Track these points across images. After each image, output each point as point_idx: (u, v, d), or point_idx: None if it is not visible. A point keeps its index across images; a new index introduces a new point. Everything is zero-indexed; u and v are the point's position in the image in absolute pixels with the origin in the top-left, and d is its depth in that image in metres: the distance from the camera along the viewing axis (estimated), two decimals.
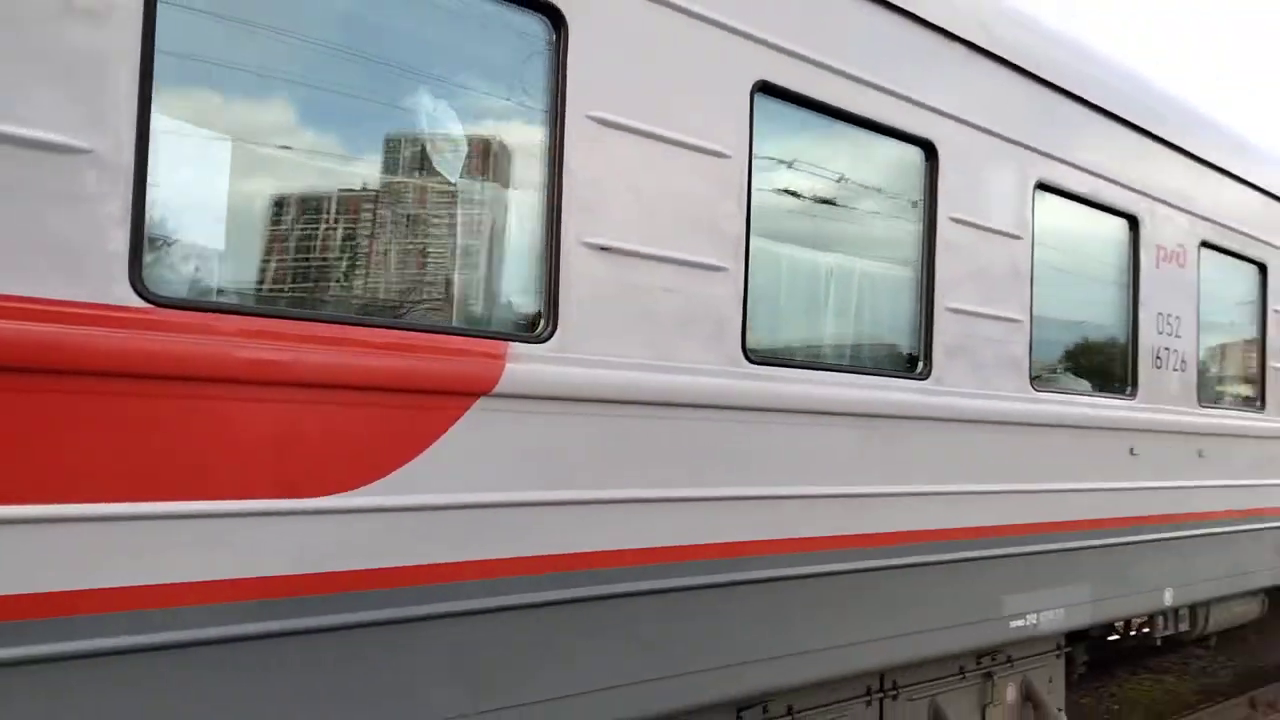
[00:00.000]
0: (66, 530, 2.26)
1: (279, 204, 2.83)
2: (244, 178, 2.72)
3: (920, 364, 4.45)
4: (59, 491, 2.26)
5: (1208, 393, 6.48)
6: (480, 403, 2.95)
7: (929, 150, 4.44)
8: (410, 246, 3.09)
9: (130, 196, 2.36)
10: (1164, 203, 5.95)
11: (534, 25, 3.16)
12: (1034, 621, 5.02)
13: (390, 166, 3.03)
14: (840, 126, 4.15)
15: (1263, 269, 7.05)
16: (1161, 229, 5.94)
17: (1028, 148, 4.94)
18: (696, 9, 3.53)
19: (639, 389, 3.34)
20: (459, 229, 3.15)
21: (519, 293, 3.21)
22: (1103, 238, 5.72)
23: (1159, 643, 6.59)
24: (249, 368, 2.52)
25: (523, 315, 3.18)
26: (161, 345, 2.39)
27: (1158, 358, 5.94)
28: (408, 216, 3.06)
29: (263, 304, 2.72)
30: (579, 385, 3.18)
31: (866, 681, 4.52)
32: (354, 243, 2.98)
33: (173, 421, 2.41)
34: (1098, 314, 5.78)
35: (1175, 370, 6.09)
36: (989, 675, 5.16)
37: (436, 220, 3.09)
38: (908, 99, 4.30)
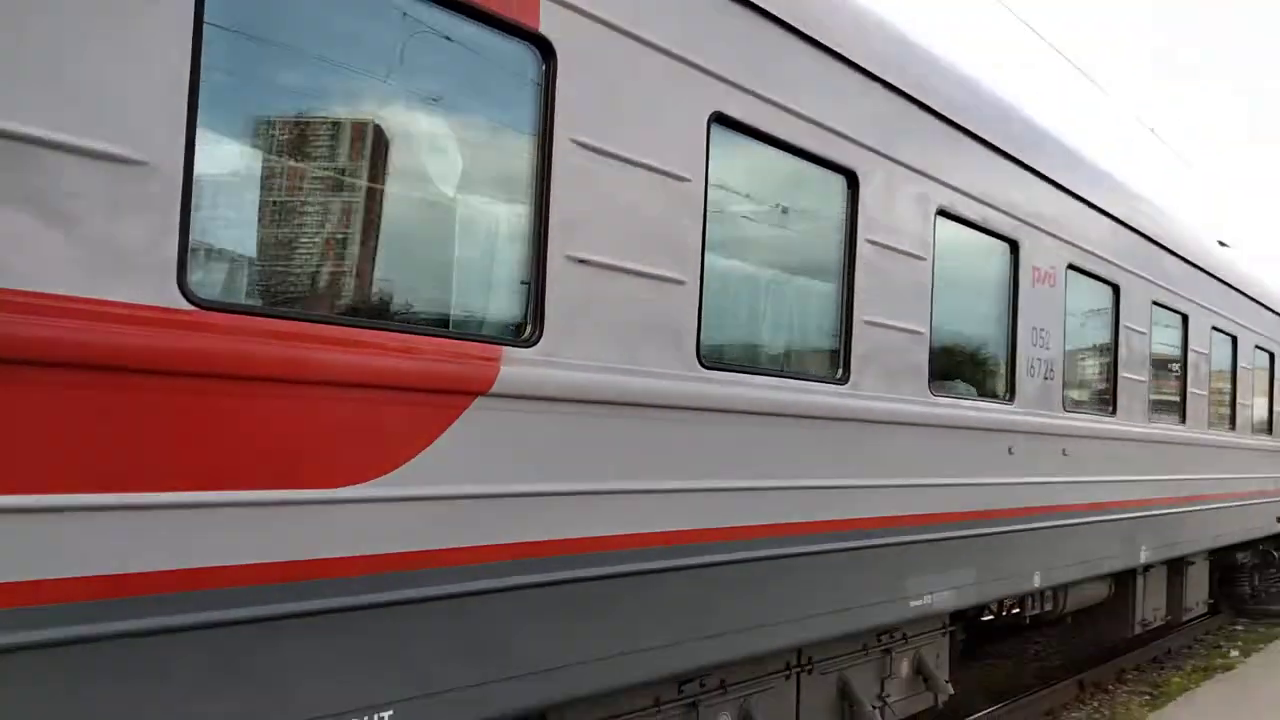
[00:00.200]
0: (125, 516, 2.42)
1: (303, 216, 3.02)
2: (273, 192, 2.90)
3: (840, 370, 4.93)
4: (102, 482, 2.42)
5: (1070, 398, 7.28)
6: (478, 401, 3.22)
7: (851, 179, 4.93)
8: (417, 256, 3.32)
9: (179, 206, 2.53)
10: (1039, 229, 6.68)
11: (526, 55, 3.44)
12: (929, 601, 5.60)
13: (398, 182, 3.25)
14: (778, 155, 4.57)
15: (1116, 289, 7.95)
16: (1037, 252, 6.66)
17: (932, 178, 5.51)
18: (663, 44, 3.87)
19: (610, 390, 3.66)
20: (459, 241, 3.41)
21: (509, 301, 3.48)
22: (989, 260, 6.38)
23: (1028, 621, 7.36)
24: (280, 366, 2.71)
25: (513, 322, 3.46)
26: (206, 345, 2.56)
27: (1031, 367, 6.66)
28: (415, 228, 3.29)
29: (290, 307, 2.91)
30: (561, 386, 3.48)
31: (786, 658, 4.97)
32: (368, 251, 3.19)
33: (215, 417, 2.59)
34: (983, 327, 6.44)
35: (1045, 378, 6.84)
36: (888, 651, 5.71)
37: (442, 232, 3.33)
38: (836, 132, 4.77)
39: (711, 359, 4.15)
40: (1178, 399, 9.38)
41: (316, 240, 3.02)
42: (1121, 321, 8.02)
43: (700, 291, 4.06)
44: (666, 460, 3.91)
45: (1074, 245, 7.18)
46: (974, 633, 7.68)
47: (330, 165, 3.04)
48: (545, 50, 3.45)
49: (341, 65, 3.07)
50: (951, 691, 6.19)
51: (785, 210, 4.80)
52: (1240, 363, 11.19)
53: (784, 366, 4.87)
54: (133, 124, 2.44)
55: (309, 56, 2.98)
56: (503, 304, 3.49)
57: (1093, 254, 7.49)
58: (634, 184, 3.77)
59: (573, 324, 3.53)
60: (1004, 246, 6.40)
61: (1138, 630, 9.23)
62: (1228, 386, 10.87)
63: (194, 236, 2.59)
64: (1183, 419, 9.42)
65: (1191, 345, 9.61)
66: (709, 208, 4.11)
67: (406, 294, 3.29)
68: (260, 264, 2.88)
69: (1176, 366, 9.41)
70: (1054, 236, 6.88)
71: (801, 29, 4.55)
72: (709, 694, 4.52)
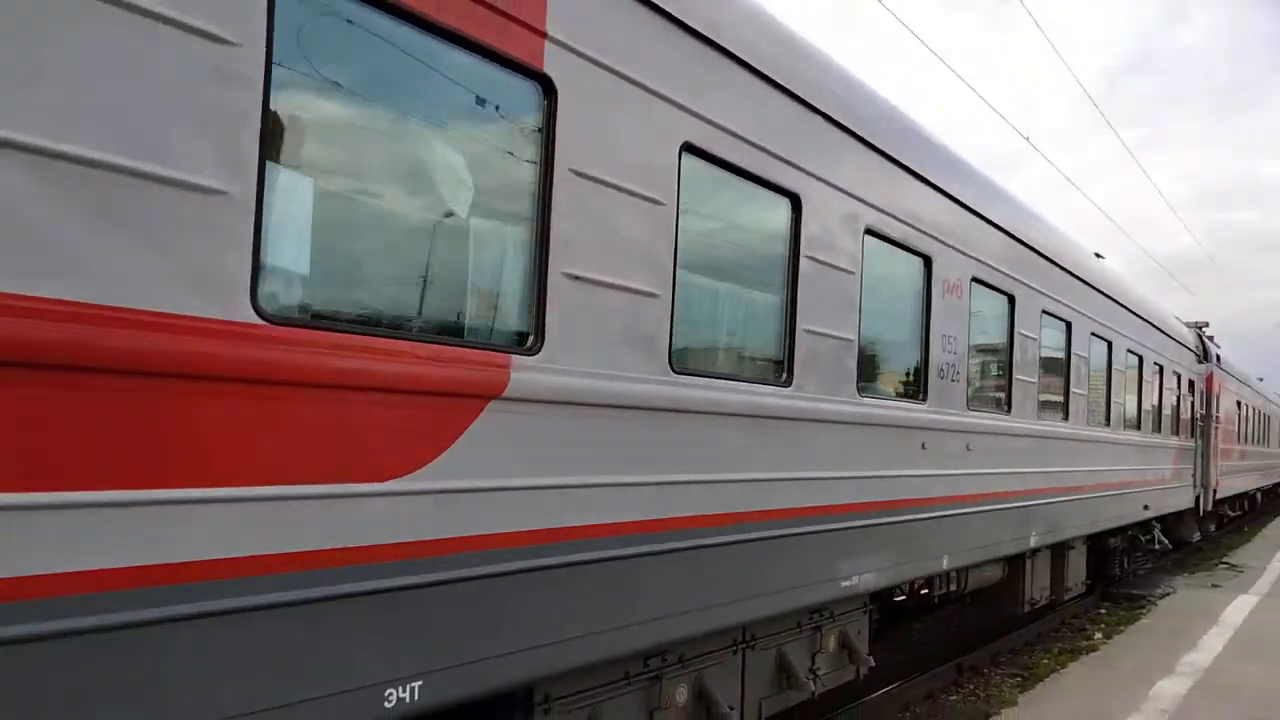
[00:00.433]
0: (219, 508, 2.73)
1: (350, 239, 3.34)
2: (325, 218, 3.22)
3: (785, 374, 5.47)
4: (184, 478, 2.72)
5: (973, 398, 8.04)
6: (492, 404, 3.60)
7: (795, 201, 5.46)
8: (443, 273, 3.66)
9: (252, 232, 2.84)
10: (950, 245, 7.38)
11: (531, 91, 3.83)
12: (855, 582, 6.21)
13: (428, 208, 3.60)
14: (735, 179, 5.06)
15: (1011, 299, 8.77)
16: (947, 267, 7.37)
17: (861, 200, 6.11)
18: (644, 81, 4.31)
19: (598, 394, 4.09)
20: (474, 260, 3.76)
21: (516, 313, 3.86)
22: (907, 273, 7.04)
23: (936, 600, 8.10)
24: (335, 375, 3.04)
25: (519, 332, 3.84)
26: (275, 356, 2.88)
27: (941, 370, 7.36)
28: (442, 249, 3.64)
29: (340, 321, 3.23)
30: (557, 390, 3.89)
31: (734, 634, 5.48)
32: (402, 269, 3.53)
33: (283, 420, 2.91)
34: (901, 334, 7.10)
35: (952, 380, 7.56)
36: (818, 628, 6.30)
37: (461, 251, 3.69)
38: (783, 159, 5.30)
39: (681, 365, 4.61)
40: (1062, 399, 10.34)
41: (361, 259, 3.35)
42: (1016, 329, 8.85)
43: (673, 304, 4.51)
44: (644, 456, 4.36)
45: (978, 260, 7.93)
46: (885, 613, 8.37)
47: (371, 194, 3.37)
48: (548, 88, 3.84)
49: (384, 102, 3.40)
50: (873, 664, 6.83)
51: (740, 229, 5.31)
52: (1115, 365, 12.32)
53: (739, 371, 5.38)
54: (217, 159, 2.74)
55: (355, 96, 3.31)
56: (511, 316, 3.87)
57: (993, 268, 8.27)
58: (619, 208, 4.20)
59: (568, 334, 3.94)
60: (919, 261, 7.07)
61: (1026, 609, 10.15)
62: (1104, 387, 11.96)
63: (263, 259, 2.90)
64: (1066, 417, 10.39)
65: (1074, 350, 10.59)
66: (680, 227, 4.56)
67: (434, 307, 3.64)
68: (314, 282, 3.19)
69: (1061, 369, 10.36)
70: (961, 252, 7.61)
71: (758, 67, 5.05)
72: (669, 668, 4.99)
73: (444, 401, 3.42)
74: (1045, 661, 10.23)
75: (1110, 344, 12.10)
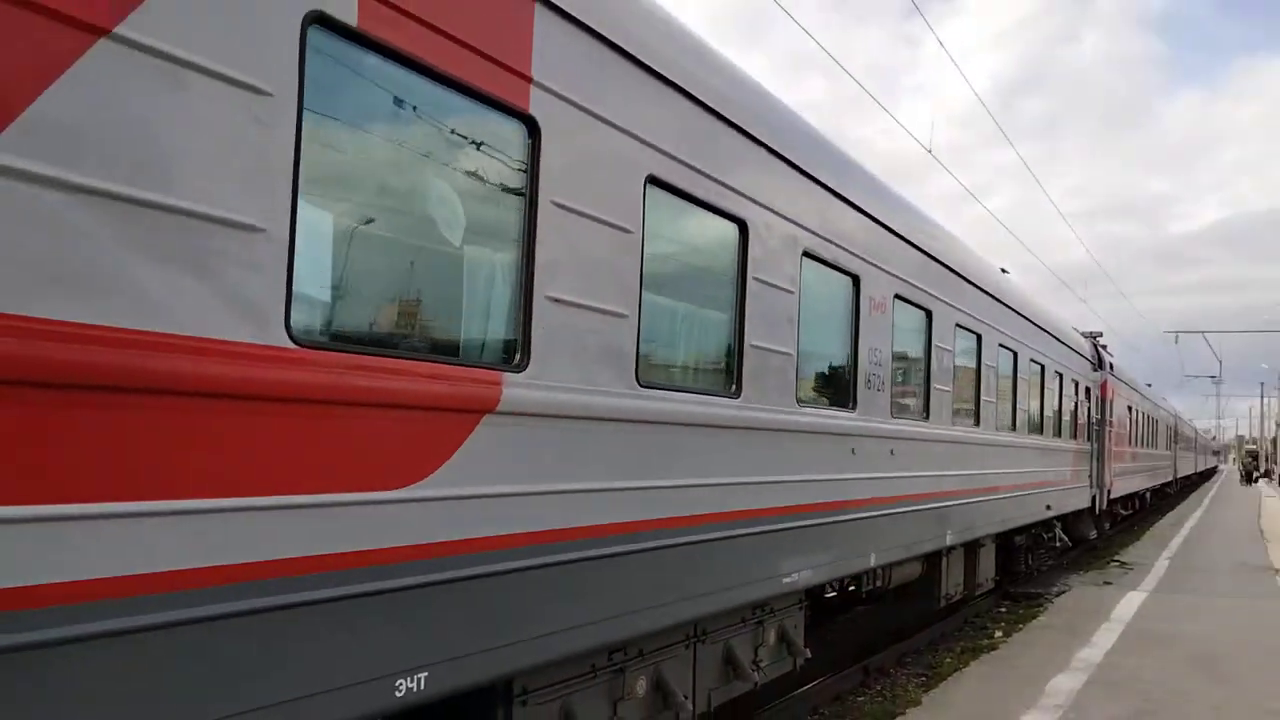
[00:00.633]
0: (256, 515, 3.01)
1: (362, 269, 3.64)
2: (346, 251, 3.52)
3: (734, 386, 5.92)
4: (241, 487, 3.00)
5: (896, 407, 8.64)
6: (486, 418, 3.94)
7: (743, 226, 5.93)
8: (443, 298, 3.99)
9: (286, 265, 3.13)
10: (876, 266, 7.97)
11: (518, 131, 4.18)
12: (795, 579, 6.69)
13: (428, 239, 3.92)
14: (692, 208, 5.50)
15: (929, 314, 9.44)
16: (874, 285, 7.95)
17: (800, 225, 6.62)
18: (615, 120, 4.71)
19: (576, 407, 4.46)
20: (468, 285, 4.10)
21: (506, 334, 4.21)
22: (838, 292, 7.59)
23: (865, 595, 8.67)
24: (358, 393, 3.35)
25: (508, 352, 4.19)
26: (307, 378, 3.18)
27: (869, 381, 7.94)
28: (443, 276, 3.97)
29: (361, 344, 3.53)
30: (541, 404, 4.25)
31: (687, 629, 5.90)
32: (410, 294, 3.84)
33: (314, 435, 3.20)
34: (833, 348, 7.64)
35: (878, 390, 8.14)
36: (760, 622, 6.76)
37: (459, 278, 4.02)
38: (732, 189, 5.76)
39: (646, 379, 5.01)
40: (974, 406, 11.09)
41: (372, 286, 3.65)
42: (933, 341, 9.52)
43: (639, 323, 4.91)
44: (616, 464, 4.74)
45: (901, 279, 8.55)
46: (817, 608, 8.91)
47: (380, 226, 3.68)
48: (532, 128, 4.21)
49: (393, 143, 3.72)
50: (809, 655, 7.33)
51: (696, 253, 5.74)
52: (1020, 374, 13.20)
53: (696, 384, 5.81)
54: (257, 200, 3.04)
55: (369, 138, 3.62)
56: (501, 337, 4.21)
57: (914, 285, 8.91)
58: (593, 236, 4.58)
59: (551, 353, 4.30)
60: (849, 281, 7.62)
61: (943, 603, 10.84)
62: (1011, 394, 12.81)
63: (295, 288, 3.19)
64: (978, 422, 11.14)
65: (984, 360, 11.37)
66: (645, 253, 4.97)
67: (436, 329, 3.98)
68: (334, 308, 3.49)
69: (973, 378, 11.11)
70: (886, 272, 8.21)
71: (711, 104, 5.50)
72: (631, 661, 5.37)
73: (446, 416, 3.75)
74: (949, 661, 10.55)
75: (1016, 354, 12.96)
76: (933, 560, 10.30)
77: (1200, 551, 20.42)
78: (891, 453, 8.38)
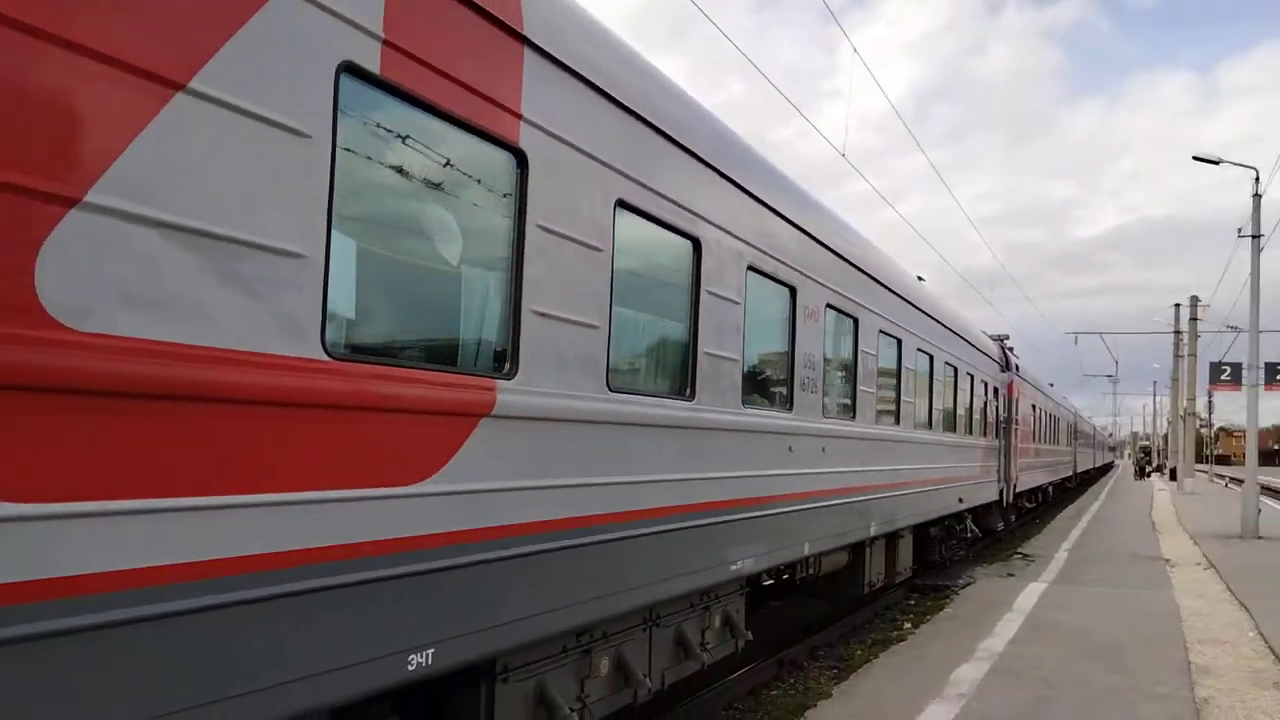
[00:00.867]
0: (293, 509, 3.41)
1: (379, 288, 4.05)
2: (362, 271, 3.93)
3: (689, 390, 6.46)
4: (273, 484, 3.39)
5: (827, 407, 9.31)
6: (483, 421, 4.38)
7: (696, 244, 6.47)
8: (446, 312, 4.42)
9: (321, 286, 3.54)
10: (810, 277, 8.61)
11: (509, 162, 4.63)
12: (739, 567, 7.27)
13: (433, 260, 4.35)
14: (653, 228, 6.01)
15: (856, 321, 10.16)
16: (809, 295, 8.59)
17: (747, 243, 7.19)
18: (591, 150, 5.19)
19: (557, 410, 4.93)
20: (466, 300, 4.53)
21: (497, 344, 4.65)
22: (777, 302, 8.20)
23: (798, 583, 9.32)
24: (381, 400, 3.77)
25: (500, 361, 4.64)
26: (339, 386, 3.59)
27: (804, 384, 8.57)
28: (447, 292, 4.40)
29: (382, 356, 3.93)
30: (528, 408, 4.71)
31: (644, 614, 6.41)
32: (419, 309, 4.26)
33: (342, 437, 3.61)
34: (773, 354, 8.25)
35: (812, 392, 8.79)
36: (707, 608, 7.32)
37: (457, 294, 4.45)
38: (688, 209, 6.29)
39: (615, 384, 5.50)
40: (895, 406, 11.87)
41: (387, 303, 4.07)
42: (859, 346, 10.24)
43: (609, 333, 5.40)
44: (591, 461, 5.23)
45: (831, 289, 9.22)
46: (755, 595, 9.50)
47: (393, 249, 4.10)
48: (521, 159, 4.66)
49: (404, 174, 4.14)
50: (750, 637, 7.93)
51: (657, 268, 6.26)
52: (936, 375, 14.10)
53: (656, 388, 6.33)
54: (299, 229, 3.44)
55: (386, 171, 4.03)
56: (493, 347, 4.66)
57: (843, 295, 9.60)
58: (572, 255, 5.06)
59: (536, 361, 4.76)
60: (787, 291, 8.24)
61: (867, 590, 11.59)
62: (927, 394, 13.68)
63: (329, 307, 3.59)
64: (898, 421, 11.93)
65: (904, 363, 12.17)
66: (614, 269, 5.46)
67: (440, 340, 4.41)
68: (358, 324, 3.90)
69: (894, 380, 11.89)
70: (819, 283, 8.87)
71: (669, 132, 6.03)
72: (596, 642, 5.86)
73: (451, 419, 4.18)
74: (860, 652, 10.80)
75: (932, 357, 13.85)
76: (858, 550, 11.04)
77: (1097, 543, 21.51)
78: (823, 450, 9.03)
